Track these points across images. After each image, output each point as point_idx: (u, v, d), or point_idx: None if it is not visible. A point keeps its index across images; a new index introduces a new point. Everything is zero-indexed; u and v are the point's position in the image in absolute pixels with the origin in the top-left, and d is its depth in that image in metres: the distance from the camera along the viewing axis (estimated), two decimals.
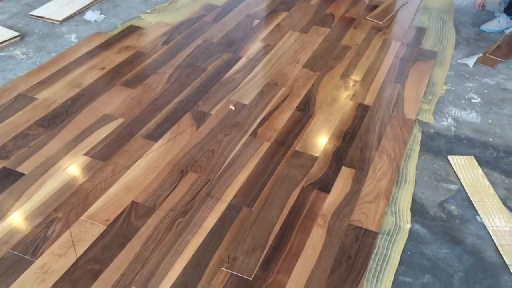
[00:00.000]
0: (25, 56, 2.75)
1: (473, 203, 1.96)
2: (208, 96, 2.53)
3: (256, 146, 2.21)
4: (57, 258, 1.65)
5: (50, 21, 3.09)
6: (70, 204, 1.85)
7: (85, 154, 2.10)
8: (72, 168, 2.02)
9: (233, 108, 2.45)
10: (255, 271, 1.65)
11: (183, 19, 3.28)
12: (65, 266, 1.62)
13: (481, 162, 2.17)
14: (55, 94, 2.45)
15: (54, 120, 2.28)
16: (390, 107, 2.52)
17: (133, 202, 1.88)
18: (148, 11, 3.35)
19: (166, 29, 3.14)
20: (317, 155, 2.18)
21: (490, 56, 3.01)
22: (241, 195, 1.94)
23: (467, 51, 3.09)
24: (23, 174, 1.97)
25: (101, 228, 1.76)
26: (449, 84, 2.74)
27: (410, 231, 1.83)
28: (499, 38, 3.22)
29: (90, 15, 3.19)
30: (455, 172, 2.11)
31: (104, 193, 1.91)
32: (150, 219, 1.81)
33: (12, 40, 2.84)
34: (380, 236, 1.80)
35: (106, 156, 2.09)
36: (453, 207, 1.95)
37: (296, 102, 2.53)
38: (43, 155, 2.07)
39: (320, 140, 2.27)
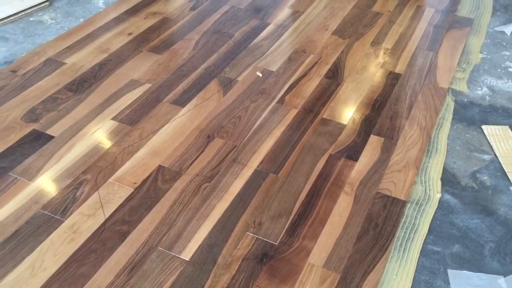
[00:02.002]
0: (53, 21, 2.76)
1: (507, 173, 1.90)
2: (235, 62, 2.50)
3: (283, 113, 2.18)
4: (86, 219, 1.67)
5: None
6: (98, 167, 1.87)
7: (113, 118, 2.10)
8: (100, 132, 2.03)
9: (260, 75, 2.41)
10: (281, 236, 1.64)
11: None
12: (93, 227, 1.65)
13: None
14: (83, 59, 2.46)
15: (82, 84, 2.29)
16: (422, 75, 2.44)
17: (160, 166, 1.88)
18: None
19: None
20: (345, 123, 2.13)
21: None
22: (268, 162, 1.93)
23: (504, 18, 2.96)
24: (52, 137, 2.00)
25: (129, 190, 1.78)
26: (485, 53, 2.64)
27: (440, 200, 1.79)
28: None
29: None
30: (488, 142, 2.05)
31: (131, 157, 1.92)
32: (177, 183, 1.82)
33: (41, 6, 2.85)
34: (408, 205, 1.77)
35: (133, 120, 2.10)
36: (485, 178, 1.89)
37: (325, 69, 2.48)
38: (71, 118, 2.09)
39: (349, 108, 2.22)
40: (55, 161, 1.89)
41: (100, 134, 2.02)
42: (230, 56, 2.54)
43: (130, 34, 2.67)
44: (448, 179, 1.88)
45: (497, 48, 2.68)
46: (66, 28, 2.69)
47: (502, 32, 2.81)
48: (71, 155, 1.92)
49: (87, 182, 1.81)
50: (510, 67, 2.52)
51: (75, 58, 2.46)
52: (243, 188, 1.81)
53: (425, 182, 1.86)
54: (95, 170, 1.86)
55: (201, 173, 1.86)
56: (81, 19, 2.78)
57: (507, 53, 2.63)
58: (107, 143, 1.98)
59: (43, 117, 2.09)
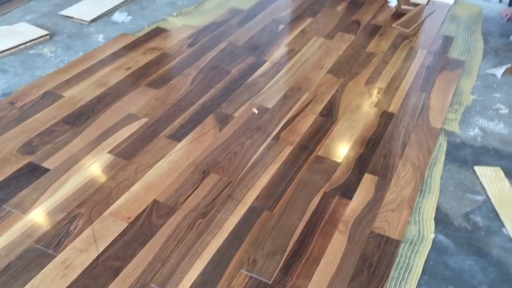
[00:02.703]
0: (53, 54, 2.80)
1: (499, 215, 1.91)
2: (231, 98, 2.53)
3: (279, 149, 2.20)
4: (79, 254, 1.66)
5: (78, 21, 3.14)
6: (93, 201, 1.87)
7: (109, 152, 2.11)
8: (96, 166, 2.04)
9: (256, 112, 2.44)
10: (275, 275, 1.64)
11: (209, 22, 3.30)
12: (86, 262, 1.63)
13: (508, 174, 2.12)
14: (82, 93, 2.48)
15: (80, 117, 2.31)
16: (415, 115, 2.49)
17: (155, 201, 1.88)
18: (174, 14, 3.38)
19: (192, 31, 3.16)
20: (339, 161, 2.16)
21: None
22: (263, 198, 1.93)
23: (495, 61, 3.04)
24: (48, 170, 2.00)
25: (123, 225, 1.77)
26: (476, 94, 2.70)
27: (434, 241, 1.80)
28: None
29: (118, 17, 3.23)
30: (481, 183, 2.07)
31: (126, 191, 1.92)
32: (171, 218, 1.81)
33: (41, 39, 2.90)
34: (402, 245, 1.77)
35: (130, 154, 2.11)
36: (478, 219, 1.91)
37: (320, 107, 2.52)
38: (68, 151, 2.10)
39: (343, 146, 2.25)
40: (50, 194, 1.88)
41: (96, 168, 2.03)
42: (227, 92, 2.58)
43: (128, 68, 2.71)
44: (442, 219, 1.89)
45: (488, 90, 2.74)
46: (65, 62, 2.73)
47: (493, 75, 2.89)
48: (66, 188, 1.92)
49: (81, 216, 1.80)
50: (500, 109, 2.57)
51: (73, 91, 2.49)
52: (237, 225, 1.81)
53: (418, 222, 1.87)
54: (89, 204, 1.85)
55: (196, 209, 1.86)
56: (81, 53, 2.82)
57: (498, 95, 2.70)
58: (102, 177, 1.98)
59: (40, 149, 2.10)
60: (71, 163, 2.04)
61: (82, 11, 3.21)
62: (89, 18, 3.14)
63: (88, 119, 2.30)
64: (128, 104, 2.42)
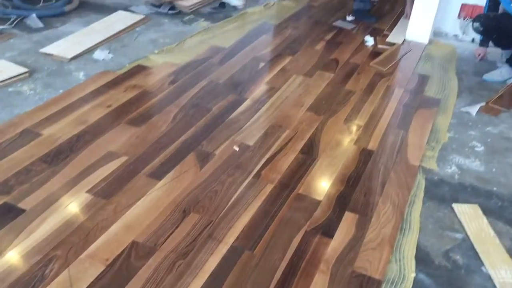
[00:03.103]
0: (32, 92, 2.78)
1: (479, 253, 1.93)
2: (212, 136, 2.54)
3: (259, 188, 2.20)
4: None
5: (59, 58, 3.13)
6: (70, 242, 1.83)
7: (87, 191, 2.08)
8: (73, 206, 2.00)
9: (237, 149, 2.45)
10: None
11: (190, 60, 3.34)
12: None
13: (486, 211, 2.15)
14: (60, 131, 2.46)
15: (58, 156, 2.28)
16: (394, 152, 2.52)
17: (133, 242, 1.85)
18: (156, 51, 3.41)
19: (173, 69, 3.19)
20: (320, 198, 2.16)
21: (492, 105, 3.04)
22: (243, 238, 1.92)
23: (469, 99, 3.13)
24: (24, 210, 1.95)
25: (100, 268, 1.73)
26: (452, 132, 2.76)
27: (415, 280, 1.79)
28: (501, 88, 3.26)
29: (99, 54, 3.24)
30: (459, 221, 2.09)
31: (105, 231, 1.89)
32: (151, 259, 1.78)
33: (20, 76, 2.88)
34: (384, 284, 1.77)
35: (108, 194, 2.08)
36: (458, 257, 1.92)
37: (300, 144, 2.54)
38: (45, 191, 2.06)
39: (324, 184, 2.26)
40: (25, 236, 1.84)
41: (73, 208, 1.99)
42: (207, 130, 2.59)
43: (109, 106, 2.71)
44: (422, 258, 1.90)
45: (464, 128, 2.80)
46: (45, 99, 2.71)
47: (468, 113, 2.96)
48: (43, 229, 1.87)
49: (57, 259, 1.75)
50: (476, 146, 2.63)
51: (52, 130, 2.46)
52: (218, 266, 1.78)
53: (399, 260, 1.88)
54: (66, 245, 1.81)
55: (176, 249, 1.83)
56: (61, 90, 2.81)
57: (473, 132, 2.76)
58: (80, 217, 1.95)
59: (16, 189, 2.06)
60: (48, 203, 2.00)
61: (62, 49, 3.22)
62: (69, 56, 3.14)
63: (66, 157, 2.28)
64: (108, 142, 2.41)
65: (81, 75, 3.00)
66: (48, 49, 3.21)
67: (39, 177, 2.14)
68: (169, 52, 3.43)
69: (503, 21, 3.41)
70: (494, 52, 3.69)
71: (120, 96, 2.81)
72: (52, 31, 3.53)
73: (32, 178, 2.13)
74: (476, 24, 3.46)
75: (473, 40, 4.01)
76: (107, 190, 2.10)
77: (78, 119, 2.56)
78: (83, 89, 2.84)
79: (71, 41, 3.36)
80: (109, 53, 3.29)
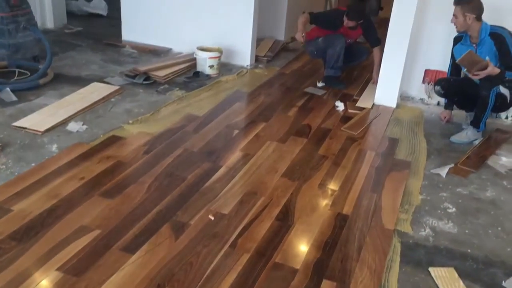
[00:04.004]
0: (3, 166, 2.74)
1: None
2: (187, 205, 2.52)
3: (236, 258, 2.17)
4: None
5: (32, 131, 3.13)
6: None
7: (58, 269, 2.01)
8: (43, 285, 1.93)
9: (212, 218, 2.43)
10: None
11: (165, 129, 3.37)
12: None
13: (462, 274, 2.16)
14: (31, 206, 2.41)
15: (28, 232, 2.22)
16: (369, 217, 2.54)
17: None
18: (130, 121, 3.44)
19: (148, 139, 3.21)
20: (297, 267, 2.14)
21: (461, 166, 3.13)
22: None
23: (439, 161, 3.21)
24: None
25: None
26: (424, 194, 2.81)
27: None
28: (469, 149, 3.37)
29: (73, 126, 3.25)
30: (437, 285, 2.09)
31: None
32: None
33: None
34: None
35: (80, 271, 2.02)
36: None
37: (276, 211, 2.54)
38: (13, 270, 1.99)
39: (300, 251, 2.24)
40: None
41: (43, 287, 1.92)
42: (182, 199, 2.58)
43: (82, 178, 2.68)
44: None
45: (435, 190, 2.86)
46: (16, 174, 2.68)
47: (438, 175, 3.03)
48: None
49: None
50: (448, 208, 2.68)
51: (23, 205, 2.41)
52: None
53: None
54: None
55: None
56: (33, 164, 2.78)
57: (445, 194, 2.82)
58: None
59: None
60: (17, 283, 1.92)
61: (36, 122, 3.22)
62: (43, 128, 3.14)
63: (37, 233, 2.22)
64: (80, 216, 2.36)
65: (54, 147, 2.99)
66: (21, 123, 3.20)
67: (8, 255, 2.07)
68: (144, 122, 3.47)
69: (464, 85, 3.60)
70: (459, 114, 3.85)
71: (94, 167, 2.80)
72: (26, 104, 3.54)
73: (0, 257, 2.06)
74: (438, 88, 3.64)
75: (438, 103, 4.18)
76: (79, 267, 2.04)
77: (50, 193, 2.53)
78: (56, 162, 2.82)
79: (45, 113, 3.37)
80: (83, 124, 3.30)
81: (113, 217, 2.38)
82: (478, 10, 3.33)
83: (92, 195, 2.55)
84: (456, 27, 3.44)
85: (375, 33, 4.46)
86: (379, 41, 4.42)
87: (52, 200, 2.47)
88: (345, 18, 4.23)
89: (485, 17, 3.38)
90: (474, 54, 3.29)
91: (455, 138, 3.53)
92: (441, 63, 4.00)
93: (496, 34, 3.32)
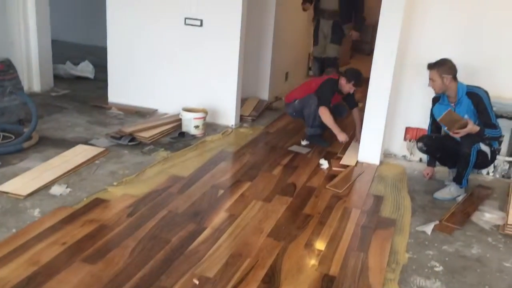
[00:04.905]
0: None
1: None
2: (171, 269, 2.47)
3: None
4: None
5: (14, 196, 3.09)
6: None
7: None
8: None
9: (197, 283, 2.38)
10: None
11: (149, 190, 3.35)
12: None
13: None
14: (11, 274, 2.34)
15: None
16: (356, 277, 2.51)
17: None
18: (115, 183, 3.42)
19: (132, 201, 3.18)
20: None
21: (446, 223, 3.14)
22: None
23: (423, 218, 3.22)
24: None
25: None
26: (411, 252, 2.79)
27: None
28: (452, 205, 3.39)
29: (56, 189, 3.22)
30: None
31: None
32: None
33: None
34: None
35: None
36: None
37: (262, 273, 2.50)
38: None
39: None
40: None
41: None
42: (166, 263, 2.53)
43: (64, 243, 2.63)
44: None
45: (421, 247, 2.85)
46: None
47: (423, 232, 3.03)
48: None
49: None
50: (435, 266, 2.66)
51: (1, 273, 2.33)
52: None
53: None
54: None
55: None
56: (14, 230, 2.72)
57: (431, 252, 2.80)
58: None
59: None
60: None
61: (18, 186, 3.19)
62: (25, 193, 3.10)
63: None
64: (60, 283, 2.30)
65: (36, 212, 2.94)
66: (3, 187, 3.16)
67: None
68: (128, 184, 3.45)
69: (446, 142, 3.68)
70: (442, 171, 3.90)
71: (76, 232, 2.75)
72: (9, 168, 3.51)
73: None
74: (420, 144, 3.71)
75: (420, 160, 4.25)
76: None
77: (30, 260, 2.46)
78: (38, 227, 2.77)
79: (28, 177, 3.34)
80: (67, 187, 3.27)
81: (94, 284, 2.31)
82: (453, 71, 3.47)
83: (73, 260, 2.49)
84: (434, 90, 3.56)
85: (353, 96, 4.66)
86: (357, 103, 4.73)
87: (32, 267, 2.40)
88: (349, 85, 4.41)
89: (460, 77, 3.51)
90: (454, 113, 3.39)
91: (438, 194, 3.57)
92: (421, 121, 4.10)
93: (473, 94, 3.45)
